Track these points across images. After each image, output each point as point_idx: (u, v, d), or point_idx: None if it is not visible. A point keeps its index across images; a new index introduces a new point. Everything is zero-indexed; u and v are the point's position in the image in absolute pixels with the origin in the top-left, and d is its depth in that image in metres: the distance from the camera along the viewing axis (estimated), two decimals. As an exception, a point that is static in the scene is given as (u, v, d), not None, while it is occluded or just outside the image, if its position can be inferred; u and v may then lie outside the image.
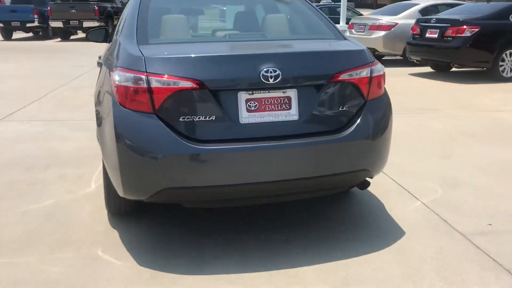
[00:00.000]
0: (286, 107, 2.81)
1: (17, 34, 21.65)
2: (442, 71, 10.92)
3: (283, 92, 2.80)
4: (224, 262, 2.89)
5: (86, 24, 18.92)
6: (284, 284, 2.67)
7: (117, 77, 2.73)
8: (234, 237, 3.18)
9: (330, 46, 3.21)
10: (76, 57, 13.46)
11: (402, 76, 10.43)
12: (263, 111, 2.78)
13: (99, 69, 3.77)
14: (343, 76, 2.88)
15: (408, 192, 3.96)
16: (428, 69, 11.24)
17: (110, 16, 20.13)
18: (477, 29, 9.42)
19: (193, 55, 2.75)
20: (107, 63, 3.21)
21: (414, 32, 10.57)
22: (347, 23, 14.08)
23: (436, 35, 9.93)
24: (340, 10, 15.22)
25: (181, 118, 2.68)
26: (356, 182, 3.13)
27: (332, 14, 16.92)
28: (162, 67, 2.67)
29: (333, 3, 24.13)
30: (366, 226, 3.37)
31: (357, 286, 2.66)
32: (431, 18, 10.39)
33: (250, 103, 2.76)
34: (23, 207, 3.65)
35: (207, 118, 2.70)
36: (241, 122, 2.74)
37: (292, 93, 2.82)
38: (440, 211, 3.57)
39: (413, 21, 11.05)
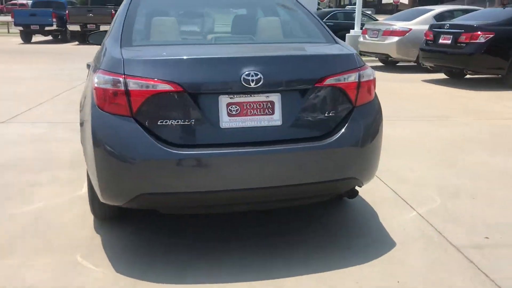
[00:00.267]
0: (269, 111, 2.73)
1: (36, 38, 22.03)
2: (456, 78, 10.70)
3: (266, 97, 2.72)
4: (205, 271, 2.80)
5: (103, 27, 19.12)
6: (263, 295, 2.58)
7: (96, 79, 2.68)
8: (217, 245, 3.09)
9: (317, 50, 3.11)
10: (90, 60, 13.55)
11: (414, 82, 10.25)
12: (245, 115, 2.70)
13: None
14: (329, 81, 2.78)
15: (405, 201, 3.83)
16: (442, 75, 11.03)
17: None
18: (491, 35, 9.20)
19: (172, 58, 2.69)
20: (92, 66, 3.17)
21: (428, 38, 10.38)
22: (361, 28, 13.95)
23: (449, 41, 9.74)
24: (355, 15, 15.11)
25: (159, 122, 2.61)
26: (343, 190, 3.03)
27: (347, 19, 16.78)
28: (140, 70, 2.61)
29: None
30: (356, 236, 3.26)
31: (338, 299, 2.55)
32: (444, 24, 10.20)
33: (231, 107, 2.68)
34: (11, 210, 3.63)
35: (186, 122, 2.63)
36: (221, 126, 2.67)
37: (276, 98, 2.73)
38: (436, 222, 3.44)
39: (427, 27, 10.86)
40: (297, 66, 2.79)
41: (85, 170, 4.36)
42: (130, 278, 2.72)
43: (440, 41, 9.97)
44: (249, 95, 2.69)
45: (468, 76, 10.68)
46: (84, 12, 19.70)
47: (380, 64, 13.29)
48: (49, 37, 22.08)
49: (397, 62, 12.83)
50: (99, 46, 3.59)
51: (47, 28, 20.25)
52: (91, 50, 16.83)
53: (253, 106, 2.71)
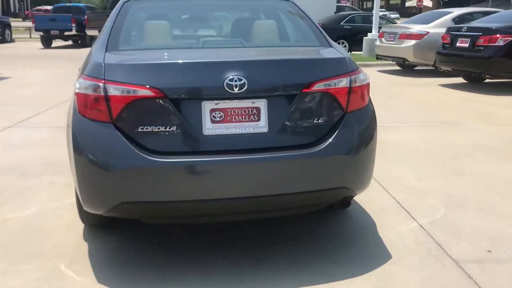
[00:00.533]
0: (254, 118, 2.62)
1: (56, 43, 22.32)
2: (474, 82, 10.41)
3: (252, 102, 2.62)
4: (187, 284, 2.70)
5: None
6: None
7: (77, 84, 2.62)
8: (203, 257, 2.99)
9: (307, 54, 3.00)
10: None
11: (430, 86, 10.00)
12: (229, 122, 2.60)
13: None
14: (318, 86, 2.67)
15: (406, 211, 3.67)
16: (460, 80, 10.75)
17: None
18: (511, 38, 8.91)
19: (152, 62, 2.61)
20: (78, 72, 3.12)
21: (444, 41, 10.14)
22: (379, 31, 13.74)
23: (467, 44, 9.48)
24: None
25: (140, 128, 2.53)
26: (333, 200, 2.90)
27: (365, 22, 16.56)
28: (121, 75, 2.54)
29: (387, 12, 23.73)
30: (350, 247, 3.12)
31: (323, 315, 2.43)
32: (462, 27, 9.94)
33: (215, 113, 2.58)
34: (5, 215, 3.60)
35: (167, 129, 2.54)
36: (204, 133, 2.57)
37: (262, 104, 2.63)
38: (437, 234, 3.28)
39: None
40: (283, 71, 2.68)
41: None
42: (109, 289, 2.65)
43: (458, 44, 9.72)
44: (233, 101, 2.59)
45: (487, 80, 10.39)
46: (103, 17, 19.84)
47: (397, 68, 13.04)
48: (69, 42, 22.37)
49: (415, 66, 12.58)
50: None
51: (66, 33, 20.51)
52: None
53: (238, 112, 2.61)
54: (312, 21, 3.32)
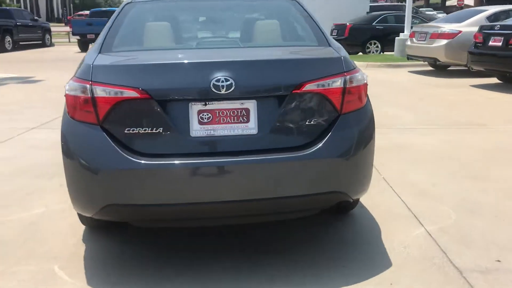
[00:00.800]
0: (243, 119, 2.56)
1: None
2: (509, 83, 9.99)
3: (241, 104, 2.55)
4: None
5: None
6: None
7: (67, 86, 2.62)
8: (200, 262, 2.95)
9: (299, 54, 2.91)
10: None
11: (461, 87, 9.66)
12: (217, 123, 2.54)
13: None
14: (309, 87, 2.57)
15: (415, 217, 3.52)
16: (494, 80, 10.34)
17: None
18: (547, 36, 8.51)
19: (137, 63, 2.58)
20: None
21: (477, 40, 9.77)
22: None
23: (500, 43, 9.11)
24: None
25: (126, 130, 2.51)
26: (328, 205, 2.80)
27: (398, 22, 16.19)
28: (107, 76, 2.53)
29: (434, 11, 23.12)
30: (350, 253, 3.01)
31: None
32: (495, 25, 9.56)
33: (203, 114, 2.53)
34: (11, 215, 3.66)
35: (154, 131, 2.51)
36: (192, 135, 2.53)
37: (251, 105, 2.56)
38: (444, 241, 3.12)
39: (478, 29, 10.24)
40: (273, 71, 2.60)
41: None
42: (98, 292, 2.63)
43: (490, 43, 9.35)
44: (221, 102, 2.53)
45: (523, 80, 9.96)
46: None
47: (429, 68, 12.68)
48: (106, 46, 22.85)
49: (448, 66, 12.19)
50: None
51: (102, 37, 20.94)
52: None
53: (226, 113, 2.55)
54: (314, 21, 3.22)
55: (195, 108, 2.53)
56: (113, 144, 2.49)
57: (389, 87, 9.92)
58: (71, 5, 75.10)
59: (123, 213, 2.59)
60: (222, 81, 2.48)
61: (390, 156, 5.03)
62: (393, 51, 15.28)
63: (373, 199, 3.83)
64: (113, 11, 17.24)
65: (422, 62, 12.62)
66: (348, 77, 2.65)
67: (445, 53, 11.09)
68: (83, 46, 21.51)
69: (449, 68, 12.42)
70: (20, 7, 46.13)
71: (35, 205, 3.84)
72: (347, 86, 2.64)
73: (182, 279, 2.73)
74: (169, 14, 3.41)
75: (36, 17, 25.60)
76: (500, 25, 9.44)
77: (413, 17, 16.19)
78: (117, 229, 3.31)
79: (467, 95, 8.88)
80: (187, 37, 3.16)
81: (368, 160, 2.75)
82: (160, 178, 2.48)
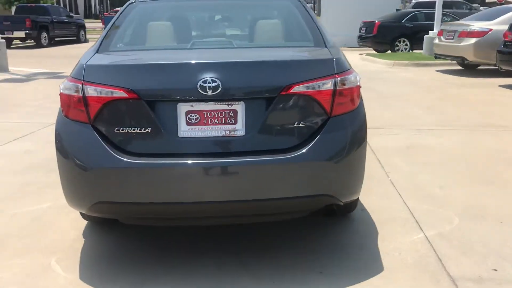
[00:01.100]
0: (231, 121, 2.56)
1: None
2: (541, 83, 9.66)
3: (229, 105, 2.56)
4: (165, 285, 2.70)
5: None
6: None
7: (62, 85, 2.68)
8: (187, 261, 2.97)
9: (290, 54, 2.88)
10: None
11: (488, 87, 9.39)
12: (205, 124, 2.56)
13: None
14: (297, 89, 2.56)
15: (416, 221, 3.45)
16: (525, 80, 10.01)
17: None
18: None
19: (127, 63, 2.62)
20: None
21: (506, 39, 9.46)
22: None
23: (530, 42, 8.80)
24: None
25: (116, 129, 2.56)
26: (316, 207, 2.77)
27: (429, 20, 15.83)
28: (98, 76, 2.57)
29: (481, 7, 22.46)
30: (343, 257, 2.98)
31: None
32: (526, 23, 9.23)
33: (191, 115, 2.55)
34: (18, 208, 3.77)
35: (142, 130, 2.54)
36: (179, 135, 2.55)
37: (239, 107, 2.56)
38: (441, 247, 3.05)
39: (508, 27, 9.92)
40: (261, 73, 2.59)
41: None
42: (86, 286, 2.68)
43: (520, 42, 9.05)
44: (209, 103, 2.54)
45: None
46: None
47: (458, 67, 12.36)
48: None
49: (478, 65, 11.86)
50: None
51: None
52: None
53: (214, 115, 2.56)
54: (313, 21, 3.19)
55: (183, 109, 2.55)
56: (103, 143, 2.54)
57: (414, 87, 9.74)
58: (108, 2, 76.54)
59: (112, 210, 2.64)
60: (209, 82, 2.49)
61: (400, 158, 4.95)
62: (422, 49, 14.97)
63: (375, 202, 3.78)
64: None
65: (450, 61, 12.32)
66: (338, 79, 2.61)
67: (474, 52, 10.79)
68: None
69: (478, 68, 12.08)
70: (59, 4, 47.30)
71: (42, 199, 3.95)
72: (338, 88, 2.61)
73: (168, 278, 2.76)
74: (170, 14, 3.44)
75: (71, 14, 26.21)
76: (531, 23, 9.12)
77: (444, 14, 15.81)
78: (118, 226, 3.37)
79: (493, 95, 8.62)
80: (183, 38, 3.18)
81: (358, 164, 2.71)
82: (147, 177, 2.51)
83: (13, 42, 21.17)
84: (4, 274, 2.83)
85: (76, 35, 24.80)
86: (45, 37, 21.82)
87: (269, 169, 2.53)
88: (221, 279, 2.74)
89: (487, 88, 9.29)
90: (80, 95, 2.56)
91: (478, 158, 4.92)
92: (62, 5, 37.51)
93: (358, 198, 3.02)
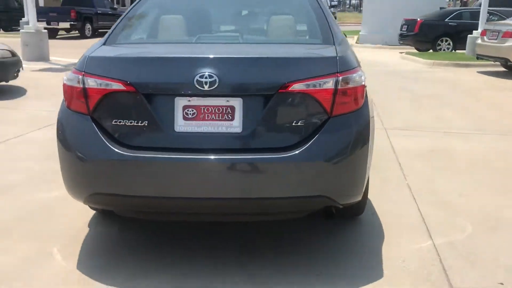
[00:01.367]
0: (228, 117, 2.52)
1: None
2: None
3: (226, 101, 2.52)
4: (164, 283, 2.69)
5: None
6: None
7: (65, 76, 2.71)
8: (181, 259, 2.96)
9: (292, 51, 2.80)
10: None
11: (530, 91, 8.97)
12: (202, 120, 2.52)
13: None
14: (296, 87, 2.48)
15: (427, 228, 3.32)
16: None
17: None
18: None
19: (126, 56, 2.61)
20: None
21: (552, 41, 9.00)
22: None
23: None
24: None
25: (113, 121, 2.56)
26: (313, 209, 2.70)
27: (474, 19, 15.26)
28: (98, 68, 2.58)
29: None
30: (344, 261, 2.89)
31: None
32: None
33: (188, 110, 2.52)
34: (33, 195, 3.87)
35: (139, 124, 2.54)
36: (176, 130, 2.53)
37: (237, 103, 2.51)
38: (448, 256, 2.92)
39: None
40: (259, 69, 2.53)
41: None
42: (83, 276, 2.71)
43: None
44: (206, 98, 2.51)
45: None
46: None
47: (501, 69, 11.84)
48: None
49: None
50: None
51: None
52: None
53: (212, 110, 2.52)
54: (325, 17, 3.10)
55: (180, 103, 2.52)
56: (100, 134, 2.55)
57: (451, 88, 9.41)
58: (154, -6, 77.64)
59: (107, 202, 2.66)
60: (206, 77, 2.45)
61: (423, 161, 4.78)
62: (465, 49, 14.46)
63: (387, 206, 3.66)
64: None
65: (493, 63, 11.83)
66: (341, 78, 2.53)
67: (518, 53, 10.33)
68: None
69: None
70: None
71: (55, 187, 4.01)
72: (339, 87, 2.52)
73: (166, 274, 2.76)
74: (181, 8, 3.42)
75: (115, 6, 26.75)
76: None
77: (491, 13, 15.21)
78: (122, 217, 3.40)
79: (534, 100, 8.23)
80: (191, 31, 3.15)
81: (359, 166, 2.61)
82: (141, 170, 2.51)
83: (58, 33, 21.81)
84: (6, 258, 2.90)
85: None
86: (89, 28, 22.36)
87: (265, 167, 2.48)
88: (216, 277, 2.71)
89: (528, 92, 8.88)
90: (81, 86, 2.58)
91: (505, 167, 4.69)
92: (109, -3, 38.23)
93: (361, 200, 2.92)
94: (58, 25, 21.01)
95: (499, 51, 10.76)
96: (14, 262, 2.86)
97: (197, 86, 2.46)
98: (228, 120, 2.52)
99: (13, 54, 8.00)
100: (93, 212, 3.50)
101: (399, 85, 9.59)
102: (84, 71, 2.59)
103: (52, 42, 13.06)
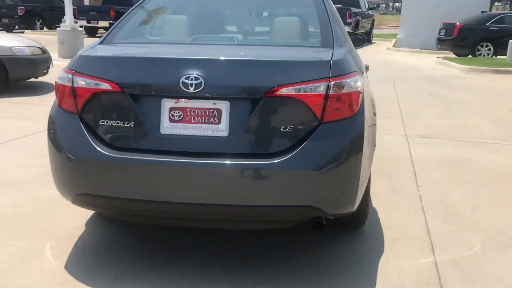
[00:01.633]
0: (214, 120, 2.45)
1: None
2: None
3: (213, 104, 2.45)
4: (142, 283, 2.65)
5: None
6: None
7: (57, 75, 2.71)
8: (171, 262, 2.91)
9: (282, 54, 2.69)
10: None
11: None
12: (188, 122, 2.46)
13: None
14: (285, 91, 2.39)
15: (431, 243, 3.15)
16: None
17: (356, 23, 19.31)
18: None
19: (114, 56, 2.58)
20: None
21: None
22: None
23: None
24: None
25: (101, 121, 2.54)
26: (301, 219, 2.58)
27: (513, 23, 14.67)
28: (87, 67, 2.57)
29: None
30: (335, 274, 2.76)
31: None
32: None
33: (174, 112, 2.47)
34: (39, 191, 3.90)
35: (125, 124, 2.50)
36: (162, 132, 2.48)
37: (224, 106, 2.44)
38: (449, 275, 2.76)
39: None
40: (246, 72, 2.45)
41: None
42: (69, 276, 2.70)
43: None
44: (192, 101, 2.45)
45: None
46: None
47: (543, 77, 11.32)
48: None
49: None
50: None
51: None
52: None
53: (198, 113, 2.46)
54: (329, 19, 2.98)
55: (167, 105, 2.47)
56: (86, 134, 2.53)
57: (485, 95, 9.05)
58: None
59: (94, 203, 2.63)
60: (191, 79, 2.39)
61: (440, 172, 4.57)
62: (506, 55, 13.90)
63: (393, 217, 3.51)
64: None
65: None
66: (332, 83, 2.41)
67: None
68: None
69: None
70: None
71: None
72: (331, 92, 2.41)
73: (144, 277, 2.71)
74: (182, 8, 3.37)
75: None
76: None
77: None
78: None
79: None
80: (188, 32, 3.09)
81: (350, 175, 2.48)
82: (124, 172, 2.47)
83: (98, 31, 22.31)
84: (-1, 254, 2.93)
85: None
86: (127, 27, 22.71)
87: (249, 174, 2.40)
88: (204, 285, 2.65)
89: None
90: (70, 85, 2.57)
91: (529, 179, 4.44)
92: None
93: (360, 211, 2.80)
94: (97, 23, 21.48)
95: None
96: (4, 257, 2.88)
97: (182, 87, 2.40)
98: (214, 123, 2.45)
99: (44, 51, 8.19)
100: (92, 212, 3.50)
101: (430, 90, 9.28)
102: (74, 70, 2.58)
103: (90, 40, 13.34)
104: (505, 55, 14.05)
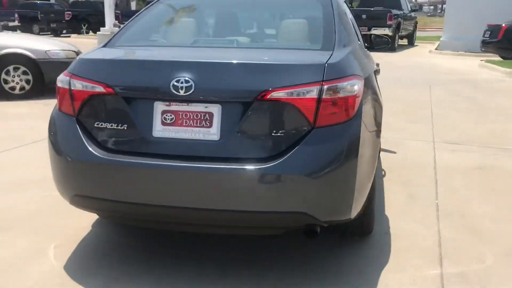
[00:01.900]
0: (206, 124, 2.42)
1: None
2: None
3: (205, 107, 2.42)
4: (137, 284, 2.65)
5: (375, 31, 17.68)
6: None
7: (58, 77, 2.75)
8: (170, 271, 2.89)
9: (275, 57, 2.62)
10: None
11: None
12: (180, 125, 2.45)
13: None
14: (276, 95, 2.33)
15: (440, 253, 3.00)
16: None
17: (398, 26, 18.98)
18: None
19: (108, 59, 2.59)
20: None
21: None
22: None
23: None
24: None
25: (95, 124, 2.56)
26: (293, 226, 2.51)
27: None
28: (84, 70, 2.60)
29: None
30: (334, 284, 2.67)
31: None
32: None
33: (166, 115, 2.46)
34: (50, 192, 3.77)
35: (119, 127, 2.51)
36: (154, 135, 2.47)
37: (215, 109, 2.41)
38: (454, 290, 2.62)
39: None
40: (238, 75, 2.40)
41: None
42: (65, 277, 2.72)
43: None
44: (183, 104, 2.43)
45: None
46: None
47: None
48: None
49: None
50: None
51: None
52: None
53: (190, 116, 2.44)
54: (333, 21, 2.90)
55: (159, 108, 2.46)
56: (82, 136, 2.55)
57: (525, 100, 8.63)
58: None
59: (88, 204, 2.65)
60: (182, 82, 2.37)
61: (464, 179, 4.37)
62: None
63: (405, 226, 3.38)
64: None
65: None
66: (325, 86, 2.33)
67: None
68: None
69: None
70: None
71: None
72: (324, 96, 2.33)
73: (142, 280, 2.71)
74: (188, 11, 3.37)
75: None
76: None
77: None
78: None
79: None
80: (190, 35, 3.08)
81: (345, 182, 2.39)
82: (116, 174, 2.48)
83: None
84: (3, 251, 2.99)
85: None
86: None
87: (241, 178, 2.35)
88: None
89: None
90: (67, 88, 2.61)
91: (559, 189, 4.17)
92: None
93: (363, 219, 2.71)
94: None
95: None
96: (7, 256, 2.94)
97: (173, 90, 2.39)
98: (206, 127, 2.42)
99: (78, 54, 8.42)
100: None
101: (467, 94, 8.94)
102: (72, 73, 2.62)
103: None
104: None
